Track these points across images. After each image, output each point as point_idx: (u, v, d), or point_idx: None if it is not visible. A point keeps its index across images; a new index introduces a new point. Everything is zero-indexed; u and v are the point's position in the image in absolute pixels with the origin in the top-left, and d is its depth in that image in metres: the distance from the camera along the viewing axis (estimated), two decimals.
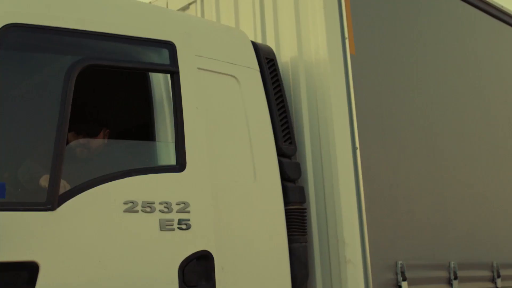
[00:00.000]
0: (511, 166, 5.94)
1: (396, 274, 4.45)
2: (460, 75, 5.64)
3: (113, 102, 4.34)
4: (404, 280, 4.45)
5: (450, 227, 5.07)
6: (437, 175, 5.06)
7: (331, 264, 4.28)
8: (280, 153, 4.23)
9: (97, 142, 3.86)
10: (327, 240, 4.31)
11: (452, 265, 4.91)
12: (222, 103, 4.00)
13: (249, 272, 3.84)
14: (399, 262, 4.47)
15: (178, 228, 3.46)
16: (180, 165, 3.60)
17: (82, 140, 3.78)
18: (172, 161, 3.65)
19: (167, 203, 3.48)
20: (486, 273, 5.32)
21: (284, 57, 4.63)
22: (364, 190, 4.31)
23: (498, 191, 5.71)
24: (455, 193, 5.21)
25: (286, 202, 4.16)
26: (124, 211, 3.34)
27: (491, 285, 5.34)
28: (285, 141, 4.27)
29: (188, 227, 3.50)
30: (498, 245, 5.57)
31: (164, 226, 3.43)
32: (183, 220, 3.49)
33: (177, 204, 3.50)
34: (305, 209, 4.28)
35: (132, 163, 3.60)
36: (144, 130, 3.85)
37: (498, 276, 5.37)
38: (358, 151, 4.36)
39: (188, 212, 3.52)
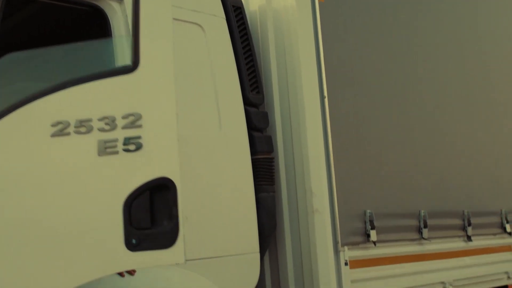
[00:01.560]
0: (482, 115, 5.92)
1: (365, 223, 4.46)
2: (433, 21, 5.56)
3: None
4: (372, 228, 4.47)
5: (420, 176, 5.08)
6: (407, 124, 5.04)
7: (299, 213, 4.27)
8: (247, 103, 4.17)
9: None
10: (295, 190, 4.30)
11: (422, 214, 4.93)
12: (186, 52, 3.92)
13: (216, 222, 3.81)
14: (368, 211, 4.48)
15: (124, 150, 2.71)
16: (130, 65, 2.90)
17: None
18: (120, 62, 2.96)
19: (108, 118, 2.74)
20: (457, 222, 5.35)
21: (252, 5, 4.54)
22: (332, 139, 4.30)
23: (469, 140, 5.70)
24: (426, 142, 5.20)
25: (254, 152, 4.13)
26: (52, 136, 2.71)
27: (461, 233, 5.38)
28: (252, 91, 4.22)
29: (138, 148, 2.75)
30: (469, 193, 5.59)
31: (104, 149, 2.71)
32: (131, 138, 2.73)
33: (123, 117, 2.74)
34: (272, 158, 4.25)
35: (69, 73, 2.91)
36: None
37: (469, 224, 5.40)
38: (326, 100, 4.33)
39: (139, 126, 2.76)
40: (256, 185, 4.09)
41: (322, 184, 4.23)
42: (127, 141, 2.74)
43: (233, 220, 3.92)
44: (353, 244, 4.35)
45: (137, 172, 2.76)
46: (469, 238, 5.43)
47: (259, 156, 4.16)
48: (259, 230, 4.04)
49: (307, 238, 4.23)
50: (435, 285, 5.03)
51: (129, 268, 2.87)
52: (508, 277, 5.92)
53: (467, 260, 5.42)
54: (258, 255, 4.00)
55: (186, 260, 3.21)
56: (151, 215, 2.82)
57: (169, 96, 2.96)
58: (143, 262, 2.91)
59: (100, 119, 2.74)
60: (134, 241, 2.81)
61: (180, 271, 3.55)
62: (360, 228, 4.43)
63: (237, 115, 4.07)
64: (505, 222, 5.88)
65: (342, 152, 4.37)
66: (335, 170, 4.28)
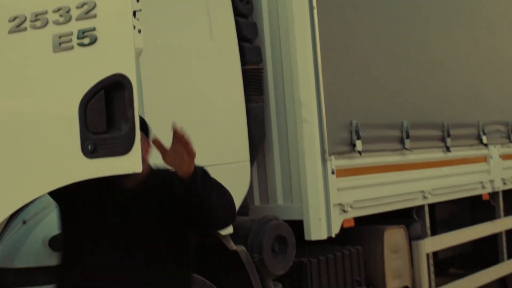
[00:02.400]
0: (462, 31, 5.98)
1: (351, 133, 4.55)
2: None
3: None
4: (358, 138, 4.56)
5: (404, 88, 5.17)
6: (393, 38, 5.09)
7: (288, 124, 4.34)
8: (237, 13, 4.15)
9: None
10: (283, 100, 4.36)
11: (405, 125, 5.04)
12: None
13: (208, 131, 3.85)
14: (354, 121, 4.56)
15: (79, 44, 2.45)
16: None
17: None
18: None
19: (63, 9, 2.46)
20: (437, 133, 5.48)
21: None
22: (320, 50, 4.31)
23: (450, 55, 5.78)
24: (410, 55, 5.27)
25: (243, 62, 4.14)
26: (10, 32, 2.50)
27: (441, 144, 5.52)
28: (242, 0, 4.19)
29: (93, 41, 2.48)
30: (449, 106, 5.70)
31: (58, 44, 2.47)
32: (86, 31, 2.43)
33: (78, 7, 2.44)
34: (261, 69, 4.27)
35: None
36: None
37: (448, 136, 5.54)
38: (315, 11, 4.32)
39: (94, 16, 2.45)
40: (246, 95, 4.13)
41: (311, 95, 4.28)
42: (81, 34, 2.43)
43: (224, 130, 3.97)
44: (339, 154, 4.45)
45: (91, 69, 2.49)
46: (448, 149, 5.57)
47: (248, 67, 4.18)
48: (248, 140, 4.11)
49: (296, 148, 4.31)
50: (415, 194, 5.19)
51: (87, 177, 2.73)
52: (483, 187, 6.12)
53: (445, 170, 5.58)
54: (248, 164, 4.08)
55: None
56: (108, 118, 2.57)
57: None
58: (100, 170, 2.74)
59: (55, 11, 2.46)
60: (89, 147, 2.69)
61: None
62: (346, 138, 4.52)
63: (227, 25, 4.06)
64: (482, 133, 6.04)
65: (330, 63, 4.40)
66: (323, 81, 4.32)
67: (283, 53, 4.33)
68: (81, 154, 2.45)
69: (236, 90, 4.06)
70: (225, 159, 3.94)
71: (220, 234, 3.71)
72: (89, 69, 2.43)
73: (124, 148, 2.49)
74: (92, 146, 2.46)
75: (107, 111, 2.43)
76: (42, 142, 2.55)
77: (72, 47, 2.42)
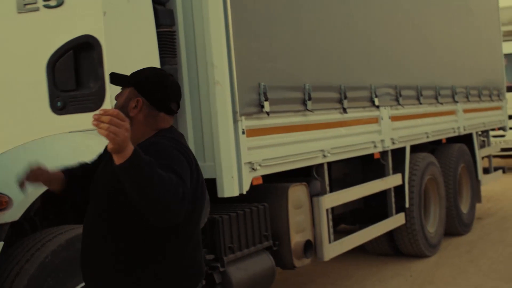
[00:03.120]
0: None
1: (259, 94, 4.74)
2: None
3: None
4: (266, 100, 4.77)
5: (306, 53, 5.41)
6: (297, 3, 5.28)
7: (200, 85, 4.47)
8: None
9: None
10: (195, 63, 4.48)
11: (307, 87, 5.29)
12: None
13: None
14: (262, 83, 4.75)
15: (45, 6, 2.46)
16: None
17: None
18: None
19: None
20: (335, 95, 5.77)
21: None
22: (231, 14, 4.46)
23: (346, 20, 6.07)
24: (312, 21, 5.51)
25: (157, 25, 4.22)
26: None
27: (338, 105, 5.82)
28: None
29: (60, 3, 2.55)
30: (346, 69, 6.01)
31: (23, 6, 2.45)
32: None
33: None
34: (174, 31, 4.36)
35: None
36: None
37: (345, 98, 5.85)
38: None
39: None
40: (160, 57, 4.22)
41: (222, 57, 4.43)
42: None
43: None
44: (249, 114, 4.64)
45: (59, 30, 2.54)
46: (344, 110, 5.89)
47: (162, 29, 4.26)
48: None
49: (208, 109, 4.46)
50: (316, 153, 5.48)
51: (56, 132, 2.84)
52: (375, 146, 6.52)
53: (342, 130, 5.90)
54: None
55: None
56: (76, 77, 2.68)
57: None
58: (69, 126, 2.87)
59: None
60: (59, 103, 2.74)
61: (93, 139, 3.68)
62: (256, 99, 4.72)
63: None
64: (374, 96, 6.41)
65: (240, 27, 4.56)
66: (234, 44, 4.47)
67: (195, 16, 4.44)
68: (50, 110, 2.49)
69: (152, 52, 4.14)
70: None
71: None
72: (56, 30, 2.45)
73: (94, 104, 2.55)
74: (62, 103, 2.51)
75: (76, 70, 2.47)
76: (11, 99, 2.58)
77: (38, 9, 2.42)
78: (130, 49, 3.95)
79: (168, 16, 4.33)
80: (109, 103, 2.50)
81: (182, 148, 2.54)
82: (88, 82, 2.75)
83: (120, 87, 2.62)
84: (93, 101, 2.69)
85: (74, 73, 2.69)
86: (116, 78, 2.56)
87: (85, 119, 2.72)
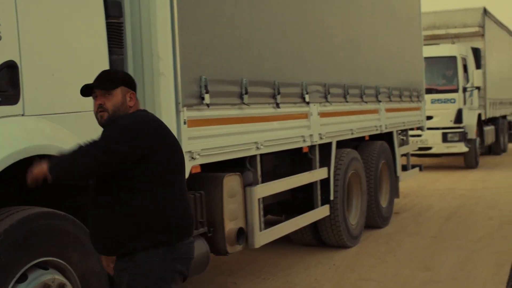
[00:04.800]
0: None
1: (200, 87, 4.96)
2: None
3: None
4: (206, 92, 4.99)
5: (244, 48, 5.65)
6: (239, 1, 5.52)
7: (145, 76, 4.63)
8: None
9: None
10: (141, 54, 4.63)
11: (244, 82, 5.53)
12: None
13: (75, 81, 4.04)
14: (203, 77, 4.97)
15: None
16: None
17: None
18: None
19: None
20: (269, 90, 6.04)
21: None
22: (177, 7, 4.65)
23: (281, 18, 6.34)
24: (251, 18, 5.75)
25: (105, 16, 4.36)
26: None
27: (272, 100, 6.09)
28: None
29: None
30: (280, 66, 6.28)
31: None
32: None
33: None
34: (122, 23, 4.51)
35: None
36: None
37: (278, 93, 6.12)
38: None
39: None
40: (108, 47, 4.36)
41: (168, 50, 4.61)
42: None
43: (88, 79, 4.16)
44: (190, 106, 4.84)
45: None
46: (278, 105, 6.16)
47: (110, 20, 4.40)
48: None
49: (152, 99, 4.63)
50: (250, 145, 5.73)
51: None
52: (304, 140, 6.83)
53: (275, 124, 6.18)
54: None
55: (49, 114, 3.57)
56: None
57: None
58: None
59: None
60: None
61: (45, 123, 3.82)
62: (197, 91, 4.92)
63: None
64: (305, 92, 6.71)
65: (184, 21, 4.76)
66: (179, 37, 4.67)
67: (142, 9, 4.59)
68: None
69: (101, 41, 4.29)
70: (89, 107, 4.16)
71: None
72: None
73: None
74: None
75: None
76: None
77: None
78: (79, 39, 4.08)
79: (117, 8, 4.47)
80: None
81: (140, 118, 3.29)
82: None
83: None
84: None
85: None
86: (104, 84, 3.30)
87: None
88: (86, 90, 3.36)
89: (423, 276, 6.69)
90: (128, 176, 3.16)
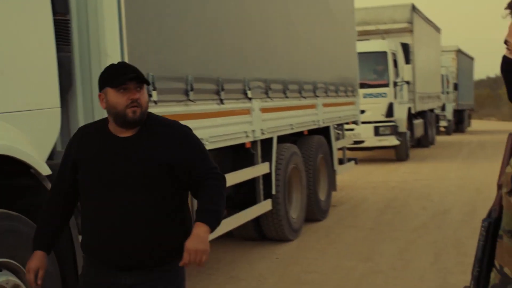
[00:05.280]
0: None
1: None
2: None
3: None
4: (154, 89, 4.98)
5: (189, 45, 5.66)
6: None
7: (92, 74, 4.59)
8: None
9: None
10: (88, 51, 4.59)
11: (189, 78, 5.55)
12: None
13: (22, 79, 4.00)
14: (150, 74, 4.96)
15: None
16: None
17: None
18: None
19: None
20: (213, 86, 6.08)
21: None
22: (124, 4, 4.63)
23: (227, 16, 6.39)
24: (195, 15, 5.77)
25: (53, 13, 4.30)
26: None
27: (216, 97, 6.13)
28: None
29: None
30: (223, 62, 6.33)
31: None
32: None
33: None
34: (69, 20, 4.46)
35: None
36: None
37: (222, 89, 6.17)
38: None
39: None
40: (56, 45, 4.31)
41: (115, 47, 4.58)
42: None
43: (37, 77, 4.13)
44: None
45: None
46: (221, 101, 6.21)
47: (57, 17, 4.35)
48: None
49: None
50: None
51: None
52: (247, 136, 6.90)
53: (219, 120, 6.22)
54: (59, 110, 4.29)
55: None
56: None
57: None
58: None
59: None
60: None
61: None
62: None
63: None
64: (247, 88, 6.78)
65: (132, 18, 4.74)
66: (126, 34, 4.65)
67: (88, 5, 4.55)
68: None
69: (48, 39, 4.23)
70: (37, 105, 4.12)
71: (41, 176, 3.92)
72: None
73: None
74: None
75: None
76: None
77: None
78: (26, 37, 4.03)
79: (63, 4, 4.42)
80: None
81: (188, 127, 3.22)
82: None
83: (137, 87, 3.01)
84: None
85: None
86: (144, 78, 3.03)
87: None
88: (115, 80, 2.98)
89: (364, 267, 6.87)
90: (181, 186, 3.03)
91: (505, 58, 2.06)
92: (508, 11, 2.06)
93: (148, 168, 2.95)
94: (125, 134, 3.02)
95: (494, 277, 2.06)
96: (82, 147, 3.07)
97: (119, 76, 2.96)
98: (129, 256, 2.93)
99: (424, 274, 6.54)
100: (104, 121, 3.13)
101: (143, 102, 2.99)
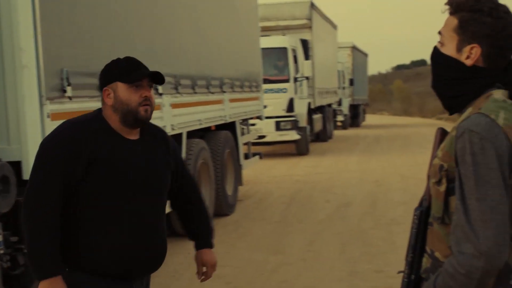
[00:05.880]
0: None
1: (62, 79, 4.86)
2: None
3: None
4: (68, 85, 4.90)
5: (102, 40, 5.60)
6: None
7: (6, 68, 4.48)
8: None
9: None
10: (1, 46, 4.47)
11: None
12: None
13: None
14: (65, 69, 4.88)
15: None
16: None
17: None
18: None
19: None
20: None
21: None
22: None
23: (138, 12, 6.35)
24: (108, 11, 5.71)
25: None
26: None
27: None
28: None
29: None
30: (135, 57, 6.27)
31: None
32: None
33: None
34: None
35: None
36: None
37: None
38: None
39: None
40: None
41: (30, 41, 4.48)
42: None
43: None
44: (53, 99, 4.74)
45: None
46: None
47: None
48: None
49: (14, 92, 4.49)
50: None
51: None
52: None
53: None
54: None
55: None
56: None
57: None
58: None
59: None
60: None
61: None
62: (59, 84, 4.83)
63: None
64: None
65: (46, 12, 4.64)
66: (41, 29, 4.55)
67: (1, 1, 4.44)
68: None
69: None
70: None
71: None
72: None
73: None
74: None
75: None
76: None
77: None
78: None
79: None
80: None
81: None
82: None
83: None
84: None
85: None
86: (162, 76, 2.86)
87: None
88: (130, 75, 2.81)
89: (275, 259, 7.01)
90: None
91: (435, 49, 2.22)
92: (447, 6, 2.20)
93: (164, 172, 2.89)
94: (131, 136, 2.83)
95: (426, 261, 2.19)
96: (95, 145, 2.72)
97: (134, 71, 2.80)
98: (155, 262, 2.90)
99: (333, 265, 6.75)
100: (99, 119, 2.82)
101: (153, 101, 2.83)
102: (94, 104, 5.31)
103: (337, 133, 26.28)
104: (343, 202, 10.40)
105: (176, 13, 7.49)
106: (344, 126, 30.01)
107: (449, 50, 2.17)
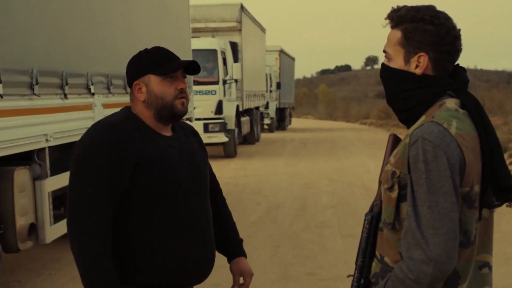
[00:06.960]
0: None
1: None
2: None
3: None
4: (0, 82, 4.74)
5: (35, 37, 5.44)
6: None
7: None
8: None
9: None
10: None
11: (34, 72, 5.33)
12: None
13: None
14: None
15: None
16: None
17: None
18: None
19: None
20: (58, 81, 5.88)
21: None
22: None
23: (72, 9, 6.21)
24: (41, 6, 5.56)
25: None
26: None
27: (60, 91, 5.93)
28: None
29: None
30: (68, 56, 6.14)
31: None
32: None
33: None
34: None
35: None
36: None
37: (66, 84, 5.98)
38: None
39: None
40: None
41: None
42: None
43: None
44: None
45: None
46: (65, 96, 6.02)
47: None
48: None
49: None
50: (40, 137, 5.54)
51: None
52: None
53: (63, 115, 6.03)
54: None
55: None
56: None
57: None
58: None
59: None
60: None
61: None
62: None
63: None
64: (90, 83, 6.63)
65: None
66: None
67: None
68: None
69: None
70: None
71: None
72: None
73: None
74: None
75: None
76: None
77: None
78: None
79: None
80: None
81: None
82: None
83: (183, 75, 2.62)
84: None
85: None
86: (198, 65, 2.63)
87: None
88: (164, 67, 2.57)
89: None
90: None
91: (383, 65, 2.25)
92: (388, 21, 2.23)
93: (205, 168, 2.69)
94: (166, 132, 2.61)
95: (375, 266, 2.21)
96: (138, 146, 2.48)
97: (167, 62, 2.56)
98: (208, 268, 2.65)
99: (266, 267, 6.76)
100: (132, 117, 2.58)
101: (188, 93, 2.61)
102: (24, 103, 5.27)
103: (264, 136, 26.43)
104: (274, 204, 10.44)
105: (109, 12, 7.35)
106: (270, 129, 30.23)
107: (397, 63, 2.20)
